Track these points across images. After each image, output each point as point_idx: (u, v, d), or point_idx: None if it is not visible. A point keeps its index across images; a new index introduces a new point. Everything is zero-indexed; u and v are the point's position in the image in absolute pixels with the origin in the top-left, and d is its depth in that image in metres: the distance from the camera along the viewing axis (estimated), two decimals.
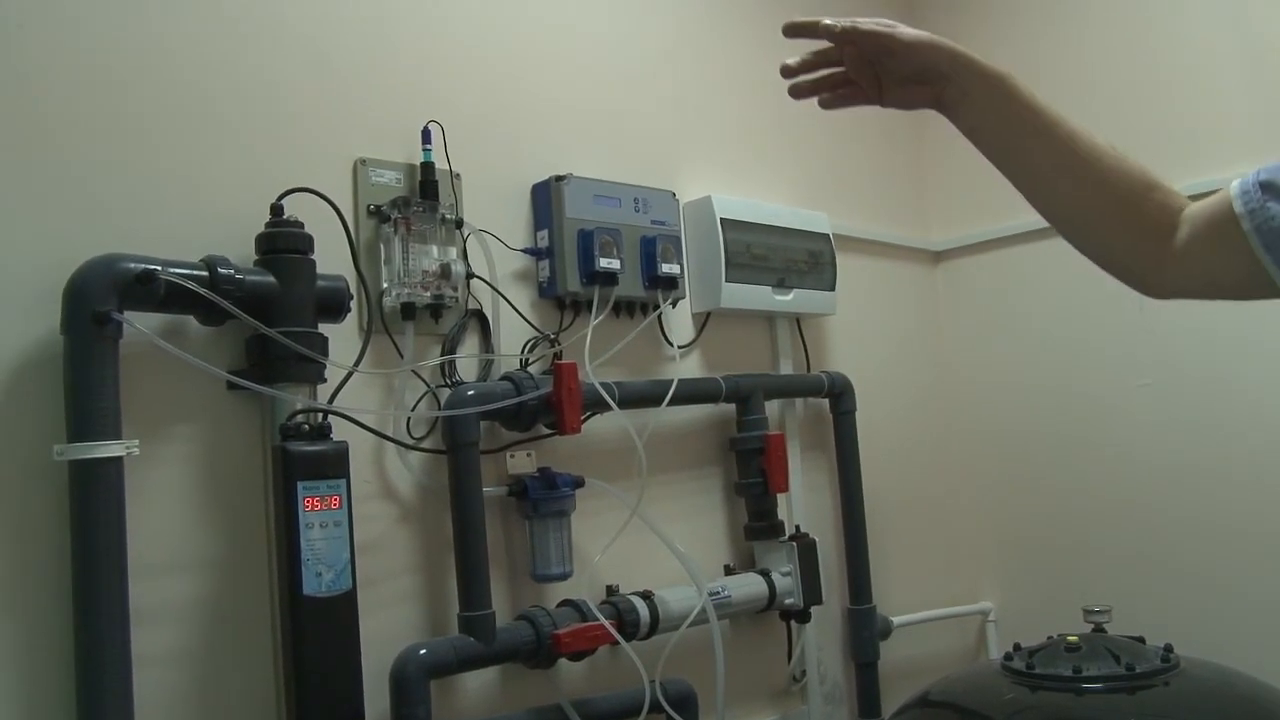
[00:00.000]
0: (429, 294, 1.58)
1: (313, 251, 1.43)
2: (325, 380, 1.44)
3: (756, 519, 2.00)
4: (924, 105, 1.13)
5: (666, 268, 1.86)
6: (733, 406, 2.01)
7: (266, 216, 1.42)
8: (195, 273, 1.29)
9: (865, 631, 2.18)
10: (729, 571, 1.99)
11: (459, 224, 1.66)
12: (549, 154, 1.84)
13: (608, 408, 1.70)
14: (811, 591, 1.98)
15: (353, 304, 1.49)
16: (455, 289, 1.62)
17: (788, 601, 1.97)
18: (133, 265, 1.24)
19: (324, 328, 1.43)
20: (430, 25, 1.72)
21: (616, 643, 1.63)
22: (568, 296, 1.78)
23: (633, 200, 1.87)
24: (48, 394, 1.24)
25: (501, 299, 1.71)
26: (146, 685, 1.24)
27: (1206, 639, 2.02)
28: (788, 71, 1.15)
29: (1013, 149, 1.11)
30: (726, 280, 1.99)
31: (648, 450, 1.75)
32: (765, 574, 1.95)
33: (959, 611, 2.55)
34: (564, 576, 1.66)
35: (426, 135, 1.64)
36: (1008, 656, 1.88)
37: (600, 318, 1.76)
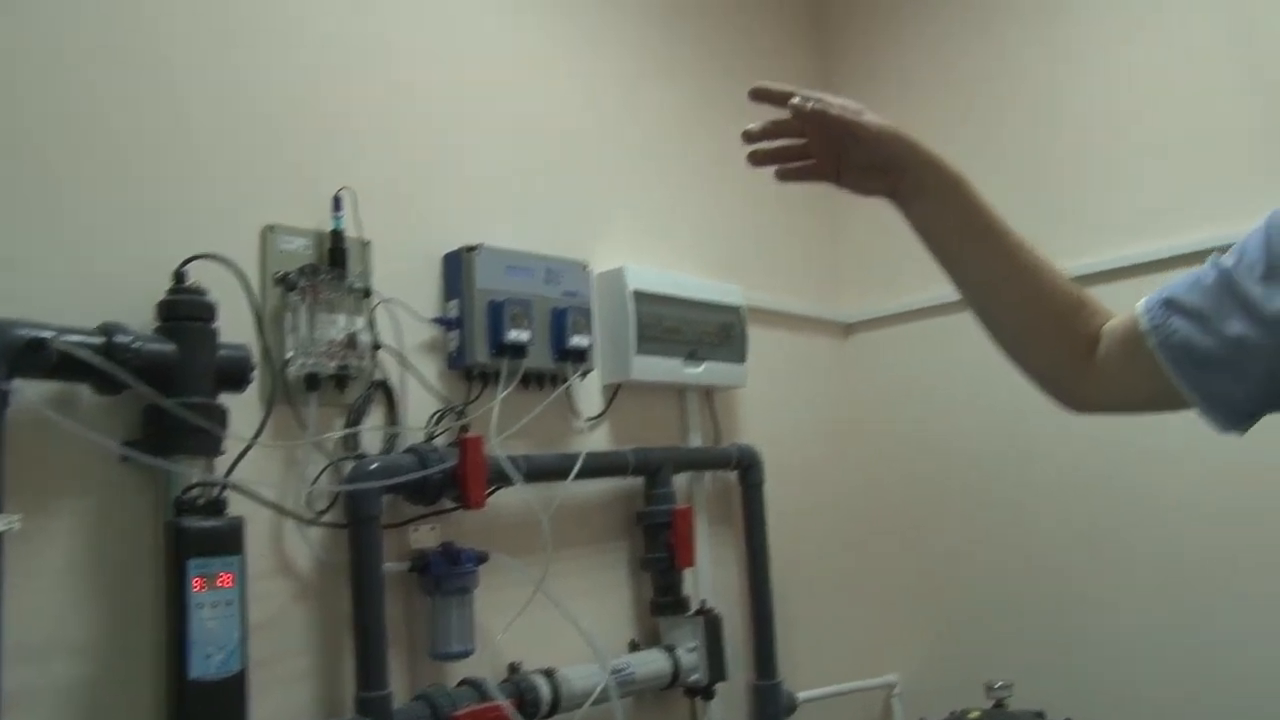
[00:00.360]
0: (334, 364, 1.56)
1: (215, 320, 1.39)
2: (223, 452, 1.40)
3: (662, 594, 1.99)
4: (879, 194, 1.14)
5: (576, 340, 1.85)
6: (641, 479, 2.00)
7: (169, 283, 1.38)
8: (90, 340, 1.25)
9: (770, 708, 2.16)
10: (634, 648, 1.97)
11: (367, 293, 1.64)
12: (462, 223, 1.84)
13: (513, 481, 1.68)
14: (716, 668, 1.97)
15: (255, 374, 1.46)
16: (361, 359, 1.60)
17: (692, 678, 1.95)
18: (23, 332, 1.19)
19: (226, 398, 1.40)
20: (345, 91, 1.71)
21: None
22: (476, 368, 1.77)
23: (544, 271, 1.87)
24: None
25: (408, 370, 1.69)
26: None
27: (1110, 713, 2.05)
28: (749, 137, 1.15)
29: (961, 252, 1.12)
30: (637, 352, 1.99)
31: (555, 524, 1.73)
32: (670, 650, 1.94)
33: (864, 686, 2.55)
34: (465, 655, 1.63)
35: (338, 203, 1.62)
36: None
37: (508, 390, 1.75)
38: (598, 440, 2.01)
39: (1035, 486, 2.37)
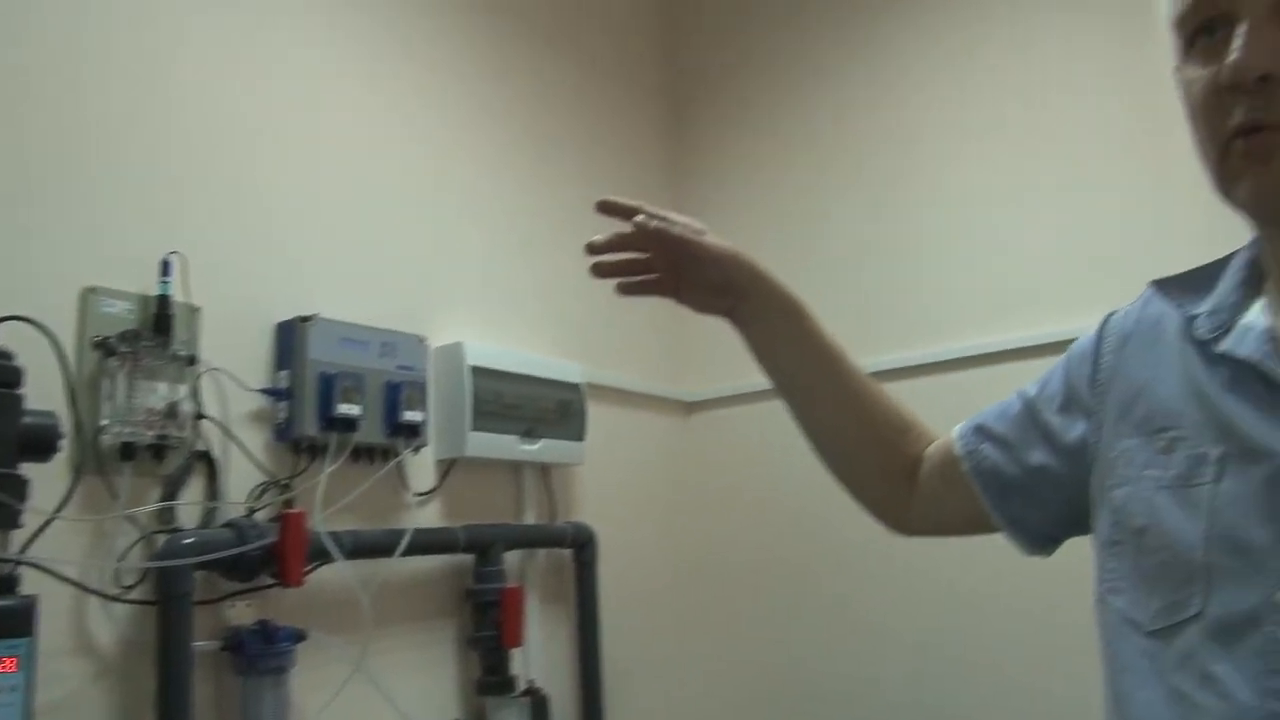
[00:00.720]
0: (152, 433, 1.51)
1: (21, 385, 1.34)
2: (21, 526, 1.33)
3: (489, 673, 1.96)
4: (718, 313, 1.15)
5: (409, 415, 1.84)
6: (472, 556, 1.99)
7: None
8: None
9: None
10: None
11: (192, 360, 1.60)
12: (298, 292, 1.81)
13: (334, 558, 1.65)
14: None
15: (64, 443, 1.40)
16: (182, 429, 1.56)
17: None
18: None
19: (30, 468, 1.34)
20: (179, 152, 1.68)
21: None
22: (305, 440, 1.74)
23: (380, 344, 1.85)
24: None
25: (232, 440, 1.65)
26: None
27: None
28: (593, 249, 1.15)
29: (795, 377, 1.15)
30: (472, 429, 1.99)
31: (381, 600, 1.70)
32: None
33: None
34: None
35: (166, 267, 1.58)
36: None
37: (336, 465, 1.72)
38: (430, 516, 1.99)
39: (869, 579, 2.42)
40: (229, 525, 1.56)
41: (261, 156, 1.81)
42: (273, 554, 1.56)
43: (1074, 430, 0.98)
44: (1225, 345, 0.83)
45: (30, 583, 1.31)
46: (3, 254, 1.44)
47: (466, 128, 2.25)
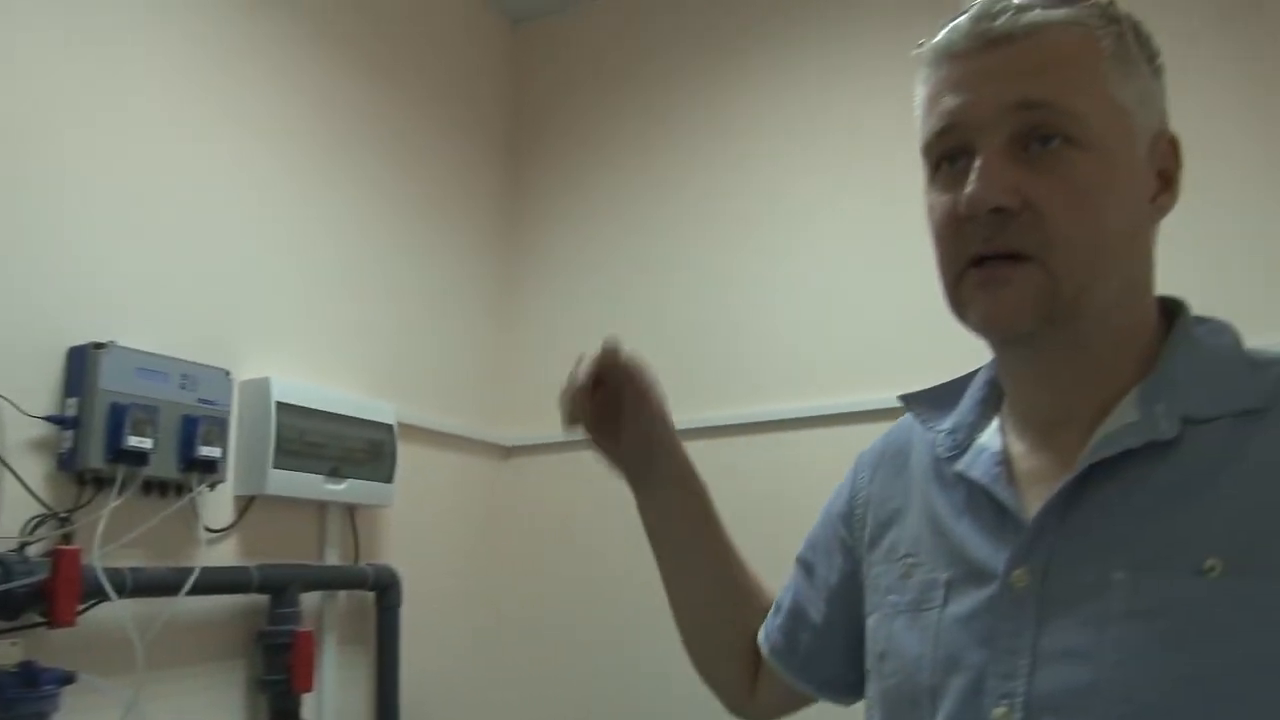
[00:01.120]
0: None
1: None
2: None
3: (278, 718, 1.91)
4: (622, 472, 1.12)
5: (206, 450, 1.79)
6: (268, 597, 1.93)
7: None
8: None
9: None
10: None
11: None
12: (96, 318, 1.75)
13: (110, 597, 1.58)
14: None
15: None
16: None
17: None
18: None
19: None
20: None
21: None
22: (89, 472, 1.67)
23: (180, 376, 1.80)
24: None
25: (6, 469, 1.58)
26: None
27: None
28: (573, 399, 1.06)
29: (684, 559, 1.14)
30: (274, 466, 1.94)
31: (165, 641, 1.65)
32: None
33: None
34: None
35: None
36: None
37: (121, 499, 1.66)
38: (225, 554, 1.93)
39: (674, 635, 2.43)
40: None
41: (60, 171, 1.74)
42: (42, 591, 1.49)
43: (838, 571, 1.01)
44: (961, 465, 0.86)
45: None
46: None
47: (287, 156, 2.21)
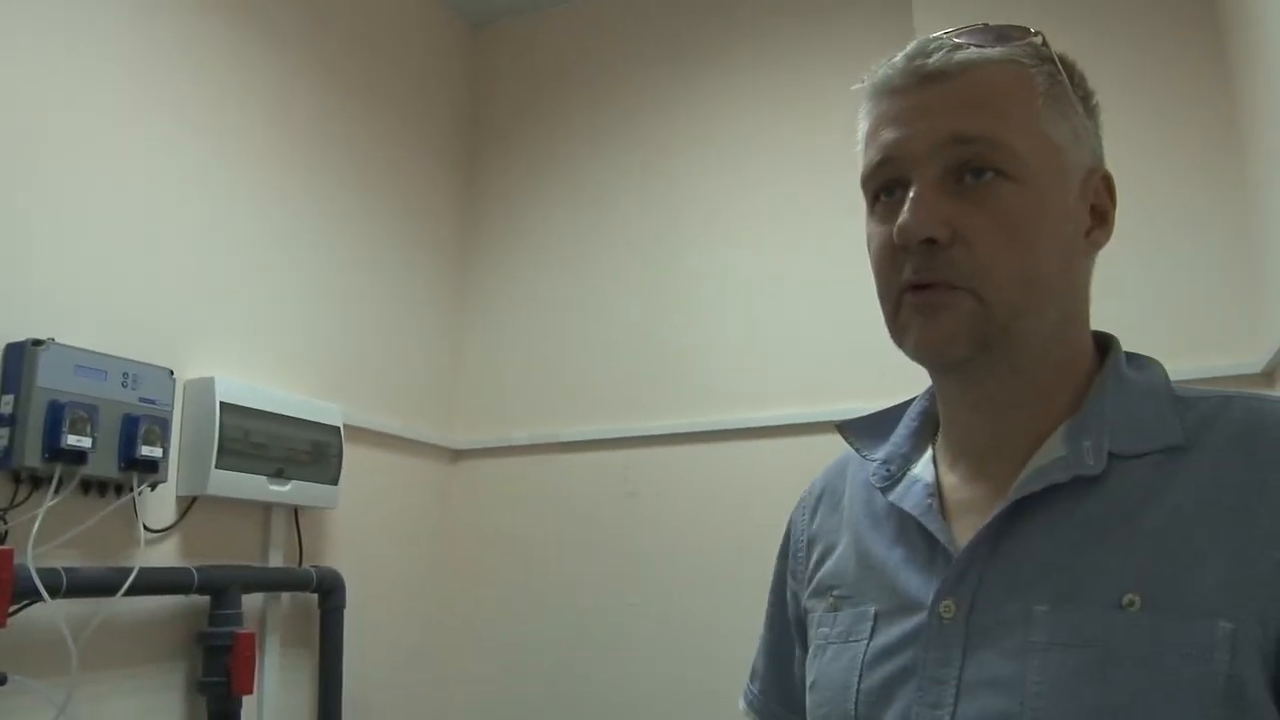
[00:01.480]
0: None
1: None
2: None
3: None
4: None
5: (147, 450, 1.77)
6: (208, 598, 1.92)
7: None
8: None
9: None
10: None
11: None
12: (35, 315, 1.73)
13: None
14: None
15: None
16: None
17: None
18: None
19: None
20: None
21: None
22: (25, 471, 1.65)
23: (121, 375, 1.78)
24: None
25: None
26: None
27: None
28: None
29: None
30: (217, 466, 1.93)
31: (103, 642, 1.64)
32: None
33: None
34: None
35: None
36: None
37: (58, 499, 1.64)
38: (166, 555, 1.92)
39: (623, 630, 2.46)
40: None
41: (4, 169, 1.73)
42: None
43: (792, 607, 1.02)
44: (893, 496, 0.87)
45: None
46: None
47: (238, 156, 2.19)
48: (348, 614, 2.21)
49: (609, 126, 2.78)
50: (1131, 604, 0.71)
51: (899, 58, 0.82)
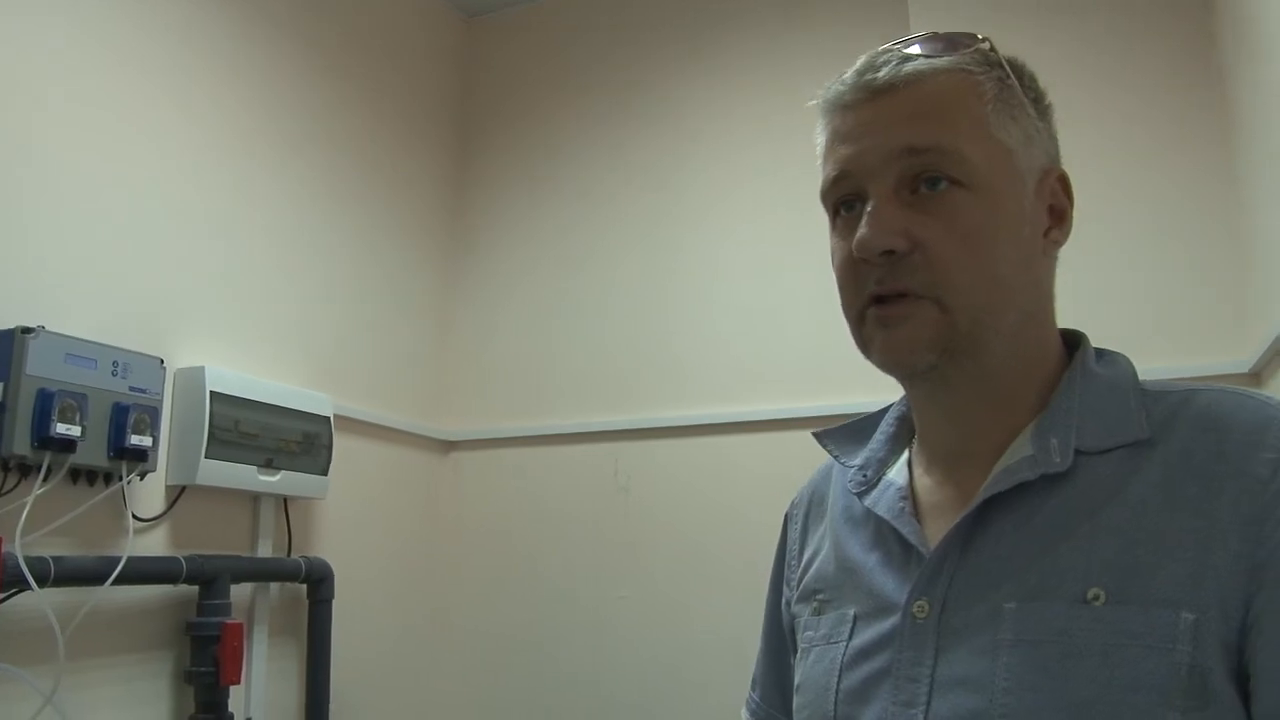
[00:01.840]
0: None
1: None
2: None
3: (204, 710, 1.89)
4: None
5: (136, 439, 1.77)
6: (196, 588, 1.92)
7: None
8: None
9: None
10: None
11: None
12: (25, 302, 1.73)
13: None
14: None
15: None
16: None
17: None
18: None
19: None
20: None
21: None
22: (14, 459, 1.65)
23: (111, 363, 1.78)
24: None
25: None
26: None
27: None
28: None
29: None
30: (207, 455, 1.93)
31: (90, 631, 1.64)
32: None
33: None
34: None
35: None
36: None
37: (46, 487, 1.64)
38: (154, 544, 1.92)
39: (613, 623, 2.47)
40: None
41: None
42: None
43: (785, 615, 1.02)
44: (869, 500, 0.89)
45: None
46: None
47: (229, 145, 2.19)
48: (336, 604, 2.21)
49: (602, 116, 2.78)
50: (1096, 598, 0.72)
51: (849, 73, 0.84)
